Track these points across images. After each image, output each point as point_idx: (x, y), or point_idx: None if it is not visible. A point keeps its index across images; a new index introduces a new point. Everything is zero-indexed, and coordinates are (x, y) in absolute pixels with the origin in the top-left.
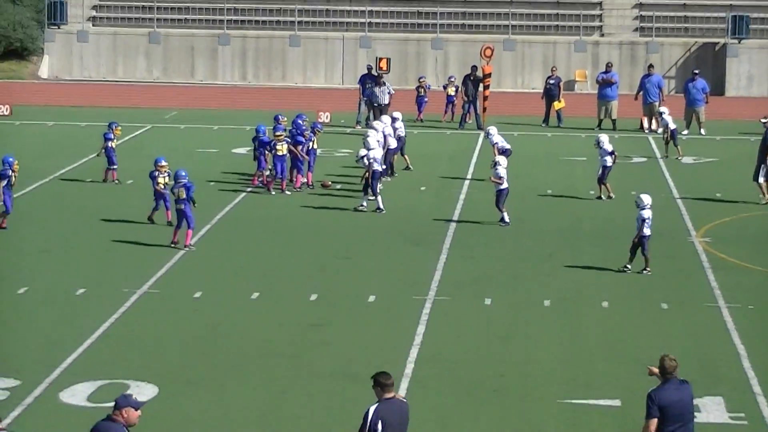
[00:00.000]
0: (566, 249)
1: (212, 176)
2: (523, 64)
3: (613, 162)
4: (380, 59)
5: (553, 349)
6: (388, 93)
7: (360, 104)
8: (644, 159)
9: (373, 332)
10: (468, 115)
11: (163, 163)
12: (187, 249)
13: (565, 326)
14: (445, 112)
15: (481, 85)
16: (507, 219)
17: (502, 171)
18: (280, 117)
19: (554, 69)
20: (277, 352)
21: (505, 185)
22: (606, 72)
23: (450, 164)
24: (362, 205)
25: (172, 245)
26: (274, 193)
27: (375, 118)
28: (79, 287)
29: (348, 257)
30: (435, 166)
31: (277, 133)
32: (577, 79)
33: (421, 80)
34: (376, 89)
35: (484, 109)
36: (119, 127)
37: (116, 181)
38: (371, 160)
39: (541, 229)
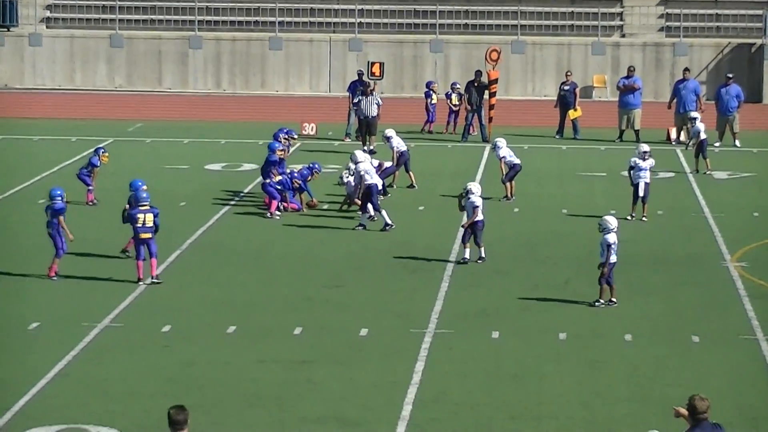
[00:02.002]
0: (584, 276)
1: (183, 196)
2: (533, 68)
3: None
4: (372, 64)
5: (570, 388)
6: (376, 104)
7: (350, 114)
8: (671, 174)
9: (366, 370)
10: (472, 126)
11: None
12: (153, 282)
13: (583, 363)
14: (448, 123)
15: (486, 92)
16: (484, 254)
17: (477, 200)
18: (280, 134)
19: (569, 74)
20: (259, 394)
21: (480, 216)
22: (628, 77)
23: (452, 181)
24: (361, 225)
25: (141, 282)
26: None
27: (362, 133)
28: (33, 321)
29: (337, 286)
30: (435, 184)
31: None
32: (595, 85)
33: (433, 86)
34: (364, 100)
35: (490, 120)
36: (106, 154)
37: (93, 203)
38: (362, 173)
39: (556, 255)
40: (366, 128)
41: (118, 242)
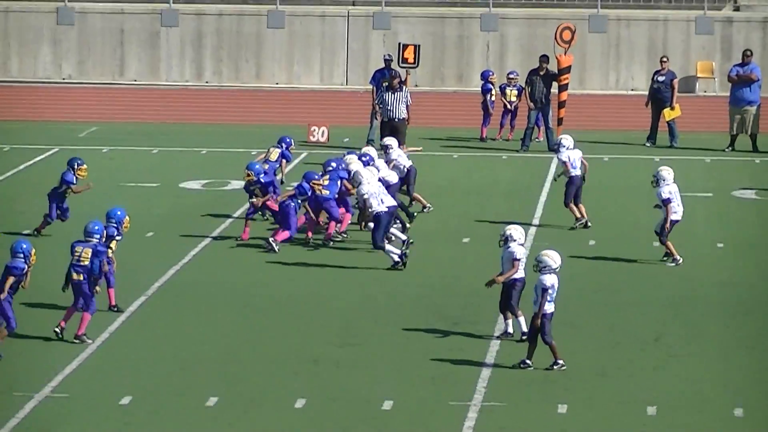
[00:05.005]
0: (680, 329)
1: (151, 223)
2: (618, 53)
3: (669, 217)
4: (404, 47)
5: None
6: (406, 103)
7: (373, 115)
8: None
9: None
10: (537, 129)
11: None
12: (79, 341)
13: None
14: (502, 125)
15: (555, 84)
16: (524, 327)
17: (518, 250)
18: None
19: (665, 60)
20: None
21: (521, 273)
22: (743, 64)
23: (506, 203)
24: (397, 262)
25: (56, 334)
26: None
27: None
28: None
29: (353, 343)
30: (484, 207)
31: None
32: (699, 75)
33: (491, 77)
34: (389, 96)
35: (560, 121)
36: (84, 166)
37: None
38: (366, 197)
39: (644, 301)
40: (388, 132)
41: (61, 285)
